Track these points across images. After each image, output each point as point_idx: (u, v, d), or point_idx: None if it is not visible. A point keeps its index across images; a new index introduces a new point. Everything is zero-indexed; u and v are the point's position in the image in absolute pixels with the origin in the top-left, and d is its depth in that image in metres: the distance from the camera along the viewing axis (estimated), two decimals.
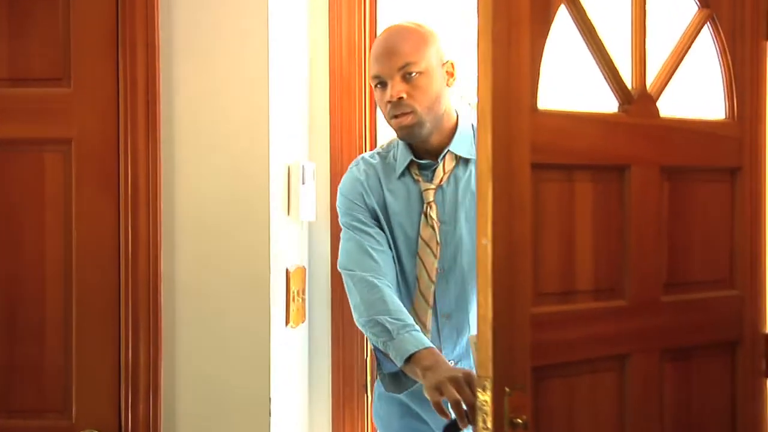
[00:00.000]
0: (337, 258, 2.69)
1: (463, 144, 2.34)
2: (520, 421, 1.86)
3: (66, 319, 2.61)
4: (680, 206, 2.24)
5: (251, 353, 2.58)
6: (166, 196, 2.58)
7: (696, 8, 2.24)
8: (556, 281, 2.08)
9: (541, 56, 2.00)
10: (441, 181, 2.28)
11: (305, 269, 2.96)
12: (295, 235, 2.89)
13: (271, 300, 2.57)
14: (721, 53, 2.28)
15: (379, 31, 3.00)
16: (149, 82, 2.56)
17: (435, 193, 2.27)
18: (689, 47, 2.26)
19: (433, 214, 2.26)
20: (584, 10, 2.09)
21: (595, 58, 2.13)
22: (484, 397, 1.85)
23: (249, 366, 2.60)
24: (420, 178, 2.30)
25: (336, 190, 2.73)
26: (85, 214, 2.60)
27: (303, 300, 2.89)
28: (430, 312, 2.28)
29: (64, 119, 2.60)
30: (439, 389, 1.96)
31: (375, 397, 2.57)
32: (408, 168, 2.35)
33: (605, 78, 2.15)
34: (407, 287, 2.34)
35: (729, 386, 2.31)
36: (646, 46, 2.20)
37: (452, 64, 2.33)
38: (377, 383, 2.56)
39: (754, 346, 2.31)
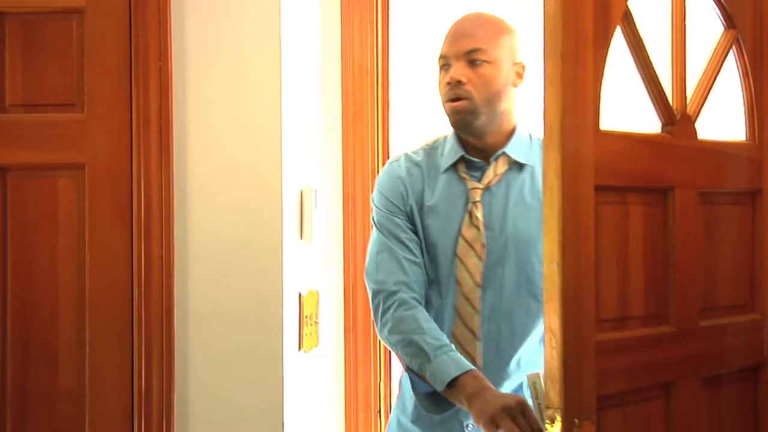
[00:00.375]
0: (349, 283, 2.69)
1: (519, 149, 2.21)
2: None
3: (79, 344, 2.61)
4: (711, 230, 2.24)
5: (264, 378, 2.58)
6: (178, 220, 2.59)
7: (722, 29, 2.26)
8: (613, 307, 2.06)
9: (603, 75, 2.01)
10: (490, 182, 2.15)
11: (318, 293, 2.96)
12: (307, 260, 2.90)
13: (284, 324, 2.57)
14: (743, 75, 2.27)
15: (392, 54, 3.03)
16: (162, 107, 2.58)
17: (482, 194, 2.13)
18: (720, 68, 2.28)
19: (479, 215, 2.12)
20: (637, 29, 2.14)
21: (642, 78, 2.15)
22: (553, 430, 1.83)
23: (262, 391, 2.59)
24: (467, 177, 2.17)
25: (348, 213, 2.74)
26: (98, 239, 2.61)
27: (316, 324, 2.90)
28: (478, 318, 2.12)
29: (77, 144, 2.62)
30: (494, 421, 1.88)
31: (389, 428, 2.41)
32: (456, 165, 2.22)
33: (651, 98, 2.16)
34: (440, 293, 2.20)
35: (752, 411, 2.31)
36: (686, 67, 2.21)
37: (523, 66, 2.23)
38: (393, 412, 2.45)
39: None
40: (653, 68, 2.12)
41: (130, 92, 2.58)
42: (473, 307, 2.11)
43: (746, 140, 2.29)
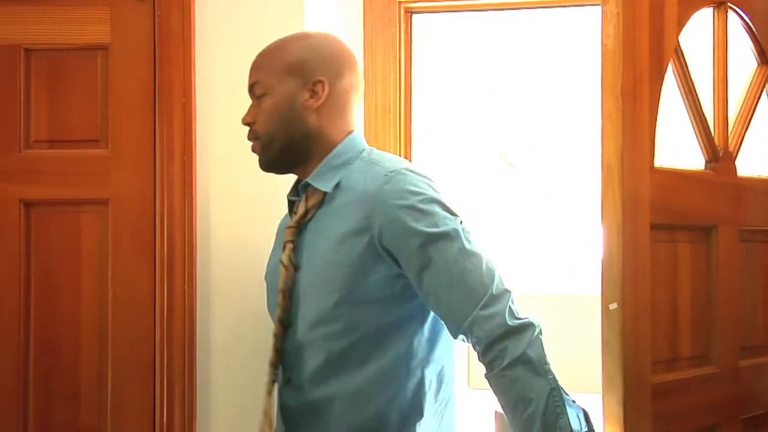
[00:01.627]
0: None
1: (327, 176, 1.95)
2: None
3: (101, 380, 2.64)
4: (749, 268, 2.26)
5: None
6: (201, 256, 2.61)
7: (756, 64, 2.31)
8: (665, 348, 2.09)
9: (657, 111, 2.04)
10: (303, 219, 1.91)
11: None
12: None
13: None
14: None
15: (414, 86, 3.06)
16: (186, 143, 2.61)
17: (295, 233, 1.90)
18: (756, 104, 2.32)
19: (285, 258, 1.90)
20: (687, 65, 2.18)
21: (690, 114, 2.19)
22: None
23: None
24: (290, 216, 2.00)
25: None
26: (121, 275, 2.65)
27: None
28: (271, 372, 1.92)
29: (101, 180, 2.66)
30: None
31: None
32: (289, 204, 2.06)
33: (697, 134, 2.21)
34: None
35: None
36: (728, 104, 2.26)
37: (321, 81, 1.96)
38: None
39: None
40: (700, 105, 2.17)
41: (154, 128, 2.63)
42: (272, 363, 1.93)
43: None
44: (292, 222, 1.92)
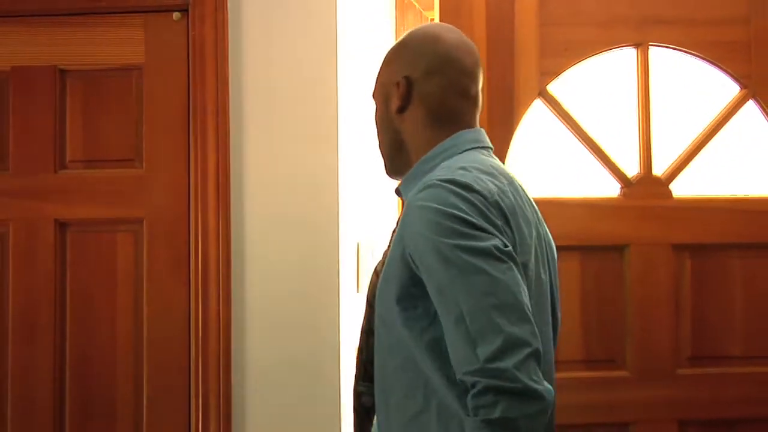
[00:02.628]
0: None
1: (410, 186, 1.89)
2: None
3: (137, 397, 2.67)
4: (713, 283, 2.64)
5: (316, 420, 2.61)
6: (236, 275, 2.63)
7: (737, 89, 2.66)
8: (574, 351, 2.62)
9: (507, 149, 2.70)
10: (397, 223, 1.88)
11: None
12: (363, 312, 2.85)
13: (341, 380, 2.60)
14: None
15: None
16: (220, 162, 2.65)
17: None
18: (715, 132, 2.69)
19: (378, 265, 1.88)
20: (565, 110, 2.68)
21: (589, 150, 2.68)
22: None
23: None
24: None
25: None
26: (156, 293, 2.70)
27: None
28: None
29: (136, 200, 2.72)
30: None
31: None
32: None
33: (603, 165, 2.69)
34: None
35: None
36: (651, 136, 2.70)
37: (398, 82, 1.93)
38: None
39: None
40: (594, 141, 2.68)
41: (188, 147, 2.68)
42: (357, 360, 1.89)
43: None
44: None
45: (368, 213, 3.05)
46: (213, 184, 2.64)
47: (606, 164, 2.72)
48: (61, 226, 2.75)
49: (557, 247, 2.00)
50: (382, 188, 3.16)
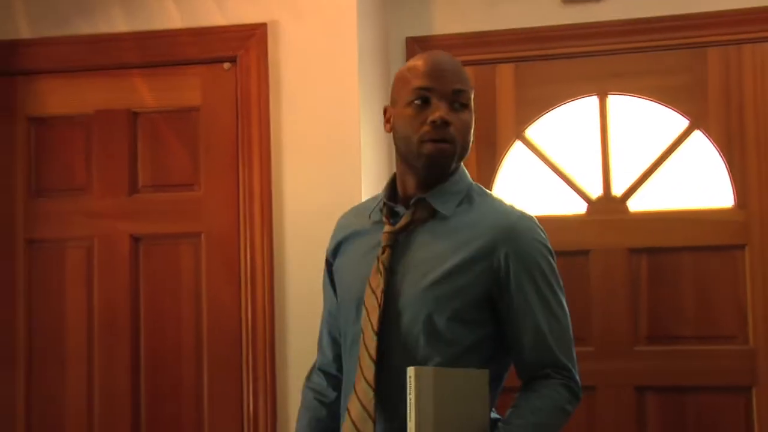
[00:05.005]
0: None
1: (443, 197, 1.91)
2: None
3: (198, 380, 2.93)
4: (666, 278, 3.06)
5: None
6: (278, 278, 2.87)
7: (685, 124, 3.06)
8: None
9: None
10: (404, 226, 1.86)
11: None
12: None
13: None
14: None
15: None
16: (263, 185, 2.89)
17: (392, 238, 1.85)
18: (666, 158, 3.10)
19: (385, 260, 1.84)
20: (538, 148, 3.08)
21: (559, 177, 3.08)
22: None
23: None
24: (387, 223, 1.89)
25: None
26: (212, 294, 2.93)
27: None
28: (374, 368, 1.80)
29: (195, 217, 2.96)
30: None
31: None
32: (381, 212, 1.96)
33: (571, 188, 3.15)
34: (349, 341, 1.93)
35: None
36: (611, 164, 3.15)
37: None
38: None
39: None
40: (561, 170, 3.14)
41: (237, 174, 2.91)
42: (371, 357, 1.81)
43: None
44: (392, 228, 1.87)
45: None
46: (258, 204, 2.88)
47: (573, 188, 3.16)
48: (135, 240, 2.99)
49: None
50: None
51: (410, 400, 1.72)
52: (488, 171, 3.23)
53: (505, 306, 1.84)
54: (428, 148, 1.82)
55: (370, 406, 1.79)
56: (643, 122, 3.19)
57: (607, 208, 3.15)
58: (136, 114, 3.04)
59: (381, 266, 1.83)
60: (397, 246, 1.85)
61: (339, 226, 2.11)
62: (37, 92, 3.15)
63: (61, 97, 3.13)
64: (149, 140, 3.06)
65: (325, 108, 2.95)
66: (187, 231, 3.02)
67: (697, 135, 3.08)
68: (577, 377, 1.86)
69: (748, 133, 3.02)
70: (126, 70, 3.05)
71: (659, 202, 3.16)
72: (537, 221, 1.93)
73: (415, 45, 3.28)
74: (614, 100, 3.18)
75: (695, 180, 3.15)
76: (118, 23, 3.07)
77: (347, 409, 1.85)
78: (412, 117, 1.86)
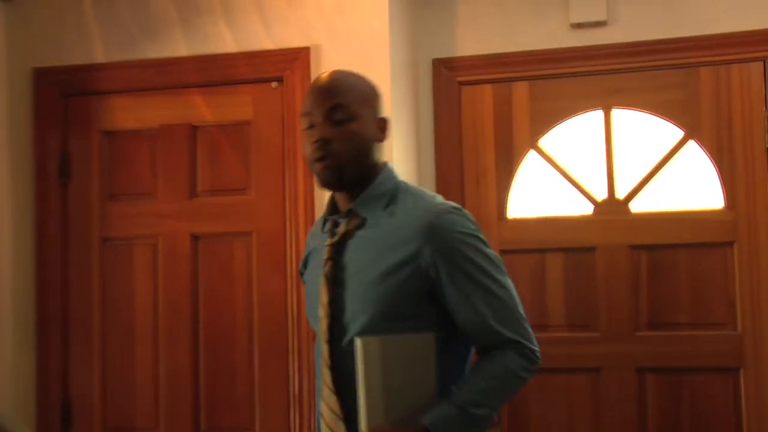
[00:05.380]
0: None
1: (368, 203, 1.92)
2: None
3: (250, 362, 3.06)
4: (664, 271, 3.20)
5: None
6: None
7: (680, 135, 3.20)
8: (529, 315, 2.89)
9: (510, 185, 3.24)
10: (341, 237, 1.89)
11: None
12: None
13: None
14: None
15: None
16: (306, 189, 3.00)
17: (332, 250, 1.88)
18: (663, 165, 3.26)
19: (327, 272, 1.88)
20: (550, 156, 3.25)
21: (568, 182, 3.25)
22: None
23: None
24: (329, 235, 1.93)
25: None
26: (261, 285, 3.05)
27: None
28: (330, 374, 1.85)
29: (246, 218, 3.09)
30: None
31: None
32: (324, 224, 2.01)
33: (579, 192, 3.28)
34: (315, 350, 1.98)
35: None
36: (615, 170, 3.31)
37: (386, 121, 1.99)
38: None
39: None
40: (570, 176, 3.31)
41: (283, 180, 3.03)
42: (327, 364, 1.86)
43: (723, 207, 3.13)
44: (332, 240, 1.90)
45: None
46: (302, 207, 3.00)
47: (581, 191, 3.33)
48: (194, 238, 3.13)
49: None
50: None
51: (359, 370, 1.73)
52: (506, 177, 3.36)
53: (444, 299, 1.84)
54: (315, 168, 1.87)
55: (337, 408, 1.83)
56: (643, 133, 3.30)
57: (611, 209, 3.29)
58: (195, 127, 3.17)
59: (324, 279, 1.88)
60: (338, 257, 1.88)
61: (307, 240, 2.17)
62: (109, 109, 3.26)
63: (130, 114, 3.25)
64: (207, 151, 3.18)
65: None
66: (240, 230, 3.12)
67: (691, 144, 3.22)
68: (533, 345, 1.85)
69: (736, 143, 3.16)
70: (186, 89, 3.17)
71: (658, 204, 3.27)
72: (461, 211, 1.90)
73: (441, 66, 3.38)
74: (618, 114, 3.31)
75: (690, 184, 3.25)
76: (180, 48, 3.19)
77: (320, 413, 1.90)
78: (305, 142, 1.92)
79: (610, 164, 3.33)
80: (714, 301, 3.20)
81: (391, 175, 1.98)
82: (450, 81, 3.46)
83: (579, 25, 3.34)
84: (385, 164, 1.99)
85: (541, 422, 3.31)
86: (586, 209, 3.34)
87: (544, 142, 3.39)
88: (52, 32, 3.35)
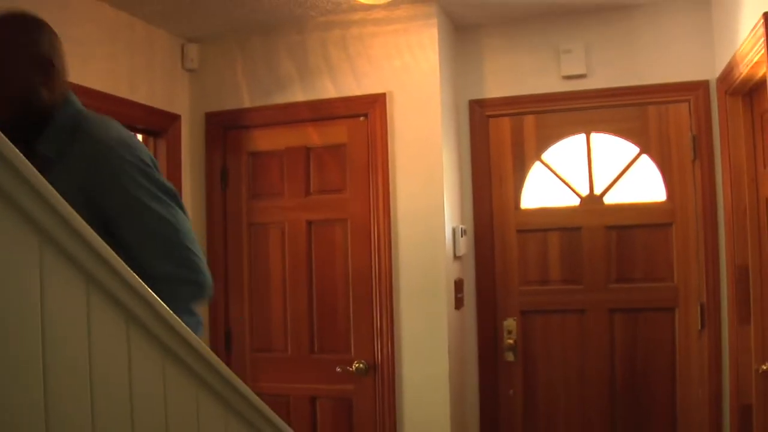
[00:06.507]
0: (478, 277, 3.90)
1: (51, 142, 1.79)
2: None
3: (347, 310, 3.86)
4: (628, 243, 3.89)
5: (432, 328, 3.61)
6: (393, 244, 3.76)
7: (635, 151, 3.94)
8: (536, 275, 3.75)
9: (522, 186, 3.92)
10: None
11: (463, 280, 4.03)
12: (457, 264, 3.94)
13: (446, 300, 3.63)
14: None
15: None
16: (383, 189, 3.75)
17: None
18: (626, 171, 3.94)
19: None
20: (550, 165, 3.93)
21: (562, 183, 3.88)
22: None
23: (432, 331, 3.60)
24: None
25: (478, 243, 3.92)
26: (354, 256, 3.85)
27: (462, 297, 3.99)
28: None
29: (343, 209, 3.86)
30: None
31: None
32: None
33: (569, 189, 3.92)
34: None
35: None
36: (593, 174, 3.88)
37: (50, 60, 1.82)
38: None
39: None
40: (564, 179, 3.84)
41: (369, 184, 3.80)
42: None
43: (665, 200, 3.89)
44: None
45: (458, 211, 3.92)
46: (382, 202, 3.75)
47: (571, 189, 3.97)
48: (309, 223, 3.91)
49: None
50: (465, 199, 4.13)
51: None
52: (519, 180, 4.03)
53: (116, 225, 1.75)
54: None
55: None
56: (612, 150, 3.91)
57: (592, 201, 3.93)
58: (309, 149, 3.94)
59: None
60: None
61: None
62: (252, 138, 3.99)
63: (266, 141, 3.96)
64: (317, 164, 3.92)
65: (420, 145, 3.68)
66: (339, 218, 3.87)
67: (644, 157, 3.89)
68: (195, 266, 1.78)
69: (673, 156, 3.87)
70: (303, 123, 3.91)
71: (622, 198, 3.91)
72: (128, 139, 1.78)
73: (475, 105, 4.09)
74: (595, 137, 3.96)
75: (643, 184, 3.88)
76: (298, 95, 3.93)
77: None
78: None
79: (590, 170, 3.96)
80: (659, 263, 3.84)
81: (70, 106, 1.87)
82: (481, 115, 4.11)
83: (568, 77, 3.97)
84: (64, 96, 1.85)
85: (544, 348, 4.04)
86: (575, 202, 3.99)
87: (545, 155, 4.03)
88: (217, 89, 4.10)
